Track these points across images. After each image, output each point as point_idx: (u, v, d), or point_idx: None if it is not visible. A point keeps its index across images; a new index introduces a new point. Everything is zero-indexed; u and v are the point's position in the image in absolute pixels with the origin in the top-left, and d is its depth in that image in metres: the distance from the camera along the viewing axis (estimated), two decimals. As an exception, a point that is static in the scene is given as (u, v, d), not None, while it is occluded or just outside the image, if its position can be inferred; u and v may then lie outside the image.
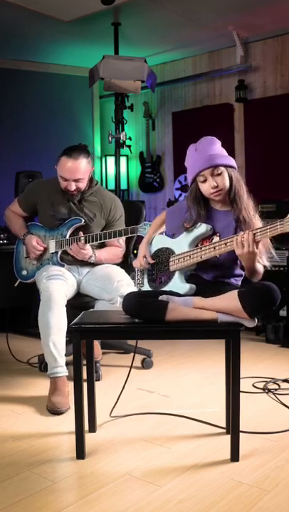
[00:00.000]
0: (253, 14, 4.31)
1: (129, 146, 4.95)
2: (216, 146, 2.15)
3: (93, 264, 2.99)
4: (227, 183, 2.12)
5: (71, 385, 2.08)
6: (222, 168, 2.10)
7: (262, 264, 2.08)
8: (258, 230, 1.93)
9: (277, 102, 4.77)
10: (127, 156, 5.77)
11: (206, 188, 2.13)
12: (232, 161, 2.14)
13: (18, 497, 1.73)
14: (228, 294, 1.95)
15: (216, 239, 2.12)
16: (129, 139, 5.01)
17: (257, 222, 2.10)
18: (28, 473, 1.90)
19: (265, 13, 4.28)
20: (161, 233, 2.39)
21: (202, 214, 2.15)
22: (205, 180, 2.12)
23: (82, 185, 2.90)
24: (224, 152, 2.16)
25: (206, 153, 2.11)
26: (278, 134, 4.75)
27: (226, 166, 2.11)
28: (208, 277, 2.17)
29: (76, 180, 2.85)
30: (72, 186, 2.86)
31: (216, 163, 2.09)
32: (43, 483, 1.82)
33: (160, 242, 2.32)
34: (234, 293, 1.92)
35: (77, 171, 2.83)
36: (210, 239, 2.14)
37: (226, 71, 5.07)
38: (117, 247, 3.04)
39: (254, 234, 1.93)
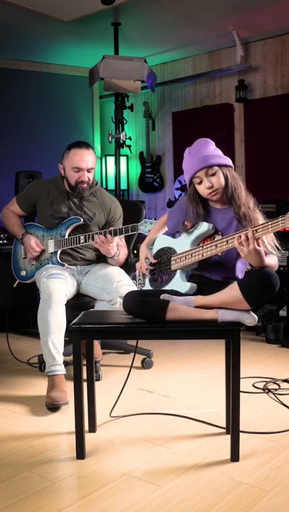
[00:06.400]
0: (253, 14, 4.31)
1: (129, 146, 4.94)
2: (209, 148, 2.15)
3: (92, 264, 2.99)
4: (222, 182, 2.12)
5: (70, 385, 2.08)
6: (216, 168, 2.11)
7: (272, 254, 2.02)
8: (260, 226, 1.91)
9: (277, 102, 4.77)
10: (127, 156, 5.77)
11: (203, 189, 2.14)
12: (226, 160, 2.14)
13: (18, 497, 1.73)
14: (228, 287, 1.95)
15: (217, 238, 2.12)
16: (129, 139, 5.00)
17: (258, 216, 2.09)
18: (28, 473, 1.90)
19: (265, 13, 4.28)
20: (164, 233, 2.39)
21: (201, 214, 2.16)
22: (201, 182, 2.13)
23: (92, 176, 2.95)
24: (218, 152, 2.16)
25: (199, 155, 2.12)
26: (278, 134, 4.75)
27: (220, 166, 2.12)
28: (211, 277, 2.18)
29: (89, 171, 2.91)
30: (86, 176, 2.90)
31: (209, 164, 2.10)
32: (43, 483, 1.82)
33: (162, 242, 2.33)
34: (234, 284, 1.93)
35: (90, 159, 2.90)
36: (212, 238, 2.14)
37: (226, 71, 5.06)
38: (124, 247, 3.04)
39: (255, 230, 1.91)
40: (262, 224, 1.92)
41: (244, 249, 1.91)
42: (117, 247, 2.92)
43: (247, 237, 1.90)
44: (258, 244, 1.92)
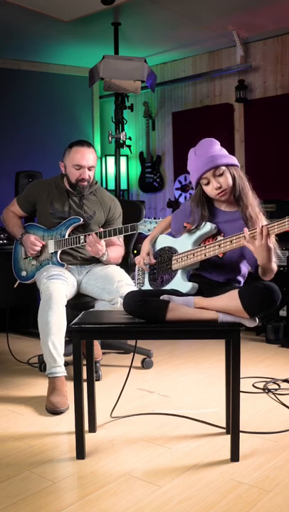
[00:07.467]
0: (253, 14, 4.31)
1: (129, 146, 4.94)
2: (214, 147, 2.14)
3: (92, 264, 2.99)
4: (230, 182, 2.11)
5: (71, 385, 2.08)
6: (223, 168, 2.10)
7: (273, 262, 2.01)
8: (269, 225, 1.90)
9: (277, 102, 4.77)
10: (127, 156, 5.77)
11: (211, 190, 2.12)
12: (233, 159, 2.14)
13: (18, 497, 1.73)
14: (228, 293, 1.95)
15: (219, 238, 2.11)
16: (129, 139, 5.00)
17: (262, 219, 2.09)
18: (28, 473, 1.90)
19: (265, 13, 4.28)
20: (166, 233, 2.39)
21: (205, 216, 2.15)
22: (208, 183, 2.12)
23: (92, 175, 2.97)
24: (224, 152, 2.15)
25: (205, 156, 2.10)
26: (278, 134, 4.75)
27: (227, 165, 2.11)
28: (212, 277, 2.17)
29: (89, 169, 2.93)
30: (86, 174, 2.91)
31: (217, 164, 2.08)
32: (43, 483, 1.82)
33: (163, 241, 2.32)
34: (235, 292, 1.92)
35: (91, 157, 2.91)
36: (214, 238, 2.13)
37: (226, 71, 5.06)
38: (119, 246, 3.05)
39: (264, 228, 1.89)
40: (270, 223, 1.90)
41: (256, 242, 1.88)
42: (109, 246, 2.92)
43: (261, 231, 1.88)
44: (270, 242, 1.90)
